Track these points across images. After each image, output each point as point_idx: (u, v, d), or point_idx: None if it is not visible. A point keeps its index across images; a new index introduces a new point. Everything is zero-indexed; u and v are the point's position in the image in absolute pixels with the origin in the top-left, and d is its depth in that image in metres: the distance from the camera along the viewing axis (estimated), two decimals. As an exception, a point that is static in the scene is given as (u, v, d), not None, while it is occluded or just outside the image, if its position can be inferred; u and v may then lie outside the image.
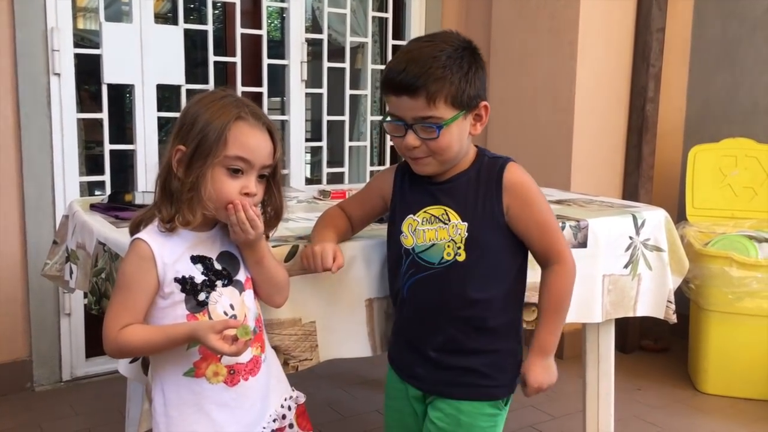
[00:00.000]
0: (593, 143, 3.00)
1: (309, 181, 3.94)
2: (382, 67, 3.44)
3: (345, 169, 3.36)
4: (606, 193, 2.92)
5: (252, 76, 3.03)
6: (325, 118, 3.24)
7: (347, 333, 1.52)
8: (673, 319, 1.98)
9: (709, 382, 2.71)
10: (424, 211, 1.37)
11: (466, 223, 1.33)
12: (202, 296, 1.23)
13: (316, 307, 1.46)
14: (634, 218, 1.90)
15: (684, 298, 2.70)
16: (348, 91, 3.29)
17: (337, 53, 3.34)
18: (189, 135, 1.20)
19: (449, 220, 1.34)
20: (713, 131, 3.08)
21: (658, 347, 3.16)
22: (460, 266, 1.33)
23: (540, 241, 1.37)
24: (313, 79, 3.24)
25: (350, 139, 3.40)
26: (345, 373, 2.87)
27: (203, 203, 1.20)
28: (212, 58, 2.88)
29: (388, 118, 1.33)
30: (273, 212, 1.32)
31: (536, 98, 3.07)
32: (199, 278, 1.23)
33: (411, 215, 1.38)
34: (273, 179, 1.29)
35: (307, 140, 3.27)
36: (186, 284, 1.22)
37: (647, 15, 3.00)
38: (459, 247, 1.33)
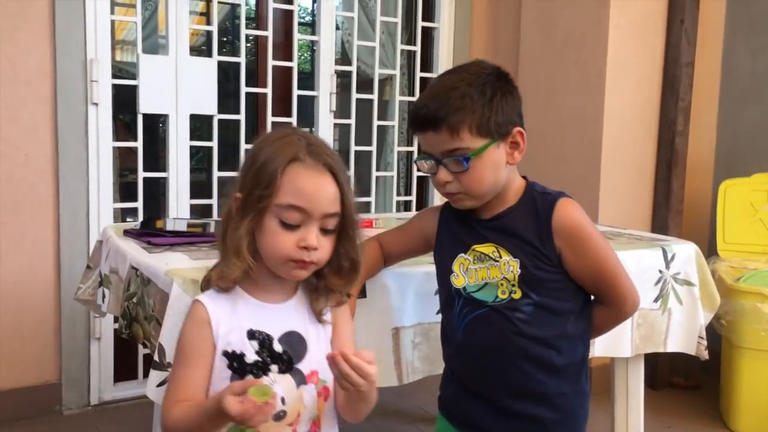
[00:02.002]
0: (622, 176, 2.99)
1: (336, 211, 3.96)
2: (411, 98, 3.48)
3: (372, 199, 3.38)
4: (634, 226, 2.90)
5: (282, 106, 3.08)
6: (353, 148, 3.28)
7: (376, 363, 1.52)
8: (705, 355, 1.95)
9: (740, 421, 2.65)
10: (473, 250, 1.32)
11: (518, 260, 1.27)
12: (249, 378, 1.07)
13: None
14: (664, 252, 1.89)
15: (715, 335, 2.66)
16: (375, 122, 3.33)
17: (365, 85, 3.38)
18: (245, 180, 1.07)
19: (500, 257, 1.29)
20: (744, 166, 3.05)
21: (689, 384, 3.10)
22: (516, 303, 1.28)
23: (596, 285, 1.32)
24: (342, 110, 3.29)
25: (377, 169, 3.43)
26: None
27: (245, 257, 1.06)
28: (244, 89, 2.93)
29: (421, 157, 1.31)
30: (349, 265, 1.15)
31: (564, 130, 3.08)
32: (251, 357, 1.07)
33: (462, 254, 1.33)
34: (343, 231, 1.12)
35: (335, 170, 3.30)
36: (234, 361, 1.07)
37: (676, 48, 3.01)
38: (513, 285, 1.28)
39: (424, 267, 1.55)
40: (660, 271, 1.87)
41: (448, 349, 1.40)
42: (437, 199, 3.47)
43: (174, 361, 1.11)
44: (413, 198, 3.54)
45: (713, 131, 3.24)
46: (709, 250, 3.02)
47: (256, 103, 3.17)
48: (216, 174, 2.91)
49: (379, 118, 3.36)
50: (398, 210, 3.49)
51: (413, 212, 3.24)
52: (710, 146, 3.25)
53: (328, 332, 1.17)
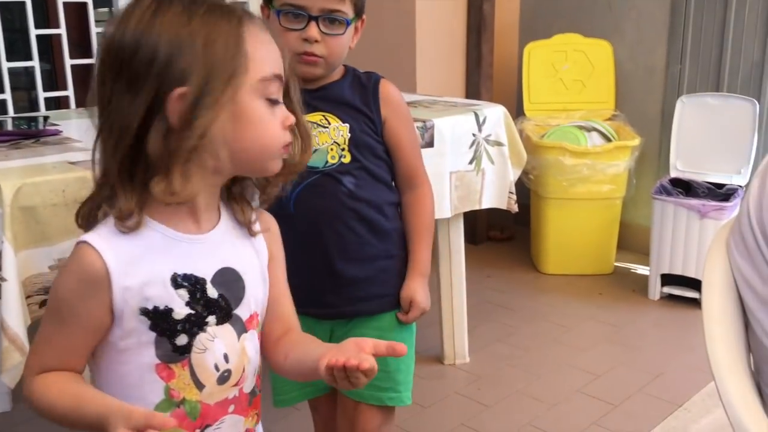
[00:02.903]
0: (435, 45, 3.06)
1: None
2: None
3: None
4: (450, 93, 3.01)
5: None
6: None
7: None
8: (515, 208, 2.13)
9: (549, 264, 2.97)
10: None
11: (347, 125, 1.30)
12: (182, 339, 0.84)
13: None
14: (476, 116, 1.99)
15: (525, 189, 2.90)
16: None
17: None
18: (173, 71, 0.77)
19: (329, 124, 1.30)
20: (545, 28, 3.22)
21: (504, 236, 3.39)
22: (347, 167, 1.31)
23: (409, 159, 1.38)
24: None
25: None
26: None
27: (205, 162, 0.81)
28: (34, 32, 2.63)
29: (288, 9, 1.23)
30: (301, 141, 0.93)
31: (377, 3, 3.06)
32: (181, 312, 0.83)
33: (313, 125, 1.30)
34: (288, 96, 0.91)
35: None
36: (158, 320, 0.82)
37: None
38: (343, 149, 1.30)
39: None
40: (473, 135, 1.99)
41: (281, 226, 1.35)
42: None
43: (45, 317, 0.86)
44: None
45: (517, -5, 3.38)
46: (518, 111, 3.22)
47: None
48: (5, 65, 2.62)
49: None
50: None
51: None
52: (515, 10, 3.39)
53: (261, 255, 0.94)
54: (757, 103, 2.62)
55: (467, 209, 2.05)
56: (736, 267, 0.91)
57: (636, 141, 2.78)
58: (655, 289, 2.67)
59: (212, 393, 0.86)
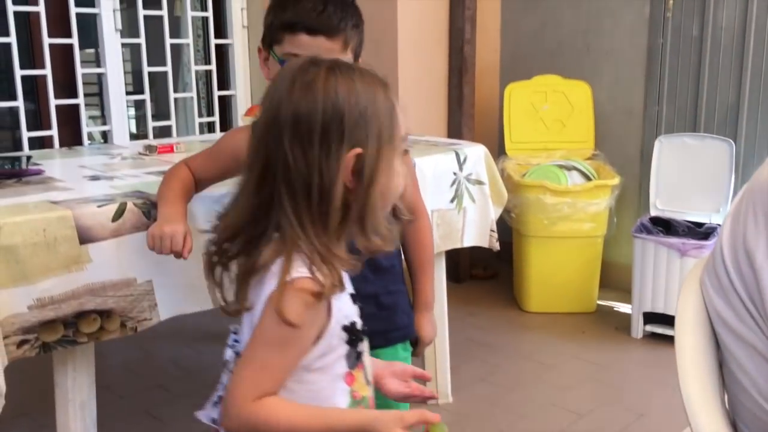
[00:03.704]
0: (418, 85, 3.11)
1: (135, 137, 3.77)
2: (204, 14, 3.32)
3: (172, 122, 3.24)
4: (432, 132, 3.05)
5: (60, 27, 2.81)
6: (146, 69, 3.09)
7: (187, 289, 1.50)
8: (496, 246, 2.15)
9: (531, 302, 2.97)
10: None
11: None
12: (361, 346, 0.95)
13: (151, 266, 1.43)
14: (457, 155, 2.02)
15: (507, 227, 2.92)
16: (168, 40, 3.15)
17: (153, 0, 3.17)
18: (356, 132, 0.86)
19: None
20: (525, 69, 3.29)
21: (487, 274, 3.41)
22: None
23: (408, 192, 1.37)
24: (129, 29, 3.07)
25: (175, 91, 3.27)
26: (188, 329, 2.83)
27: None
28: (11, 8, 2.63)
29: (287, 58, 1.25)
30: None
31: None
32: (359, 322, 0.94)
33: None
34: None
35: (128, 93, 3.11)
36: (351, 332, 0.92)
37: (461, -42, 3.12)
38: None
39: (228, 188, 1.54)
40: (454, 173, 2.01)
41: None
42: (241, 120, 3.39)
43: (260, 345, 0.88)
44: (216, 119, 3.44)
45: (497, 38, 3.45)
46: (499, 150, 3.26)
47: (27, 23, 2.87)
48: (-11, 105, 2.63)
49: (171, 36, 3.18)
50: (202, 132, 3.38)
51: (218, 134, 3.16)
52: (495, 52, 3.46)
53: None
54: (733, 143, 2.68)
55: (449, 247, 2.06)
56: (710, 304, 0.93)
57: (616, 180, 2.82)
58: (638, 328, 2.68)
59: (370, 387, 0.99)
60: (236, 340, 0.99)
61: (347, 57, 1.28)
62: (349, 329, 0.91)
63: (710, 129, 2.84)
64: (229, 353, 0.99)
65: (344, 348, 0.92)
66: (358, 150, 0.86)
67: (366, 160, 0.86)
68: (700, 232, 2.64)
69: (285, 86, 0.87)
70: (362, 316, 1.00)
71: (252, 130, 0.92)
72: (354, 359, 0.94)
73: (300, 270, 0.86)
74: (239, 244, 0.93)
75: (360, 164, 0.86)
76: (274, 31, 1.28)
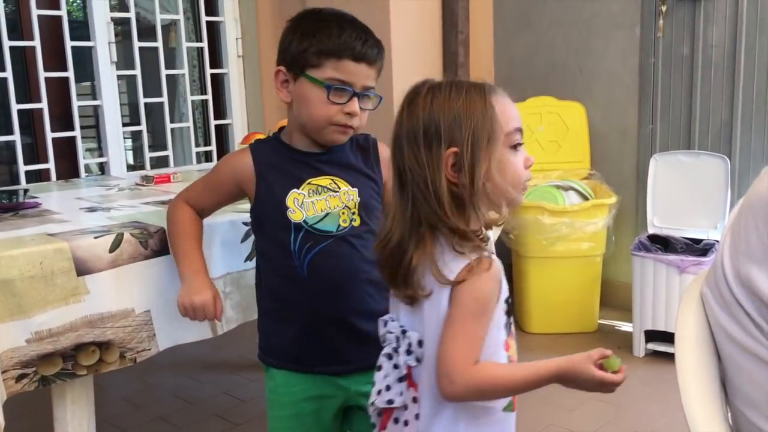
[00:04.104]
0: (413, 110, 3.12)
1: (132, 168, 3.78)
2: (199, 44, 3.35)
3: (169, 152, 3.26)
4: (428, 156, 3.06)
5: (55, 60, 2.84)
6: (142, 100, 3.11)
7: (185, 318, 1.50)
8: (496, 268, 2.14)
9: (533, 323, 2.96)
10: (308, 183, 1.34)
11: (356, 189, 1.35)
12: (511, 317, 1.11)
13: (149, 296, 1.43)
14: (453, 178, 2.02)
15: (505, 248, 2.92)
16: (164, 71, 3.18)
17: (148, 32, 3.20)
18: (451, 134, 1.04)
19: (339, 188, 1.34)
20: (519, 91, 3.31)
21: (488, 296, 3.39)
22: (357, 230, 1.34)
23: None
24: (125, 61, 3.10)
25: (172, 121, 3.29)
26: (188, 360, 2.81)
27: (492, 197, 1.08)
28: (7, 43, 2.66)
29: (338, 85, 1.29)
30: None
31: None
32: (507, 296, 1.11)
33: (295, 189, 1.33)
34: None
35: (125, 125, 3.14)
36: (509, 304, 1.09)
37: (452, -16, 3.16)
38: (353, 213, 1.34)
39: (228, 216, 1.54)
40: (451, 196, 2.01)
41: (286, 291, 1.36)
42: (236, 149, 3.40)
43: (466, 322, 1.02)
44: (213, 148, 3.46)
45: (491, 60, 3.47)
46: (496, 173, 3.27)
47: (23, 58, 2.89)
48: (-14, 140, 2.64)
49: (167, 67, 3.21)
50: (199, 161, 3.40)
51: (215, 162, 3.18)
52: (489, 75, 3.48)
53: None
54: (728, 159, 2.69)
55: (448, 270, 2.05)
56: (713, 318, 0.92)
57: (613, 199, 2.83)
58: (640, 346, 2.67)
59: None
60: (399, 326, 1.11)
61: (374, 83, 1.34)
62: (507, 301, 1.07)
63: (704, 146, 2.85)
64: (389, 336, 1.11)
65: (504, 318, 1.07)
66: (455, 149, 1.03)
67: (464, 155, 1.03)
68: (698, 248, 2.64)
69: (400, 109, 1.10)
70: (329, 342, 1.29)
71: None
72: (508, 328, 1.09)
73: (473, 254, 1.03)
74: (395, 244, 1.08)
75: (458, 160, 1.03)
76: (309, 57, 1.30)
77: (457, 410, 1.05)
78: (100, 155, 3.09)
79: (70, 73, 2.85)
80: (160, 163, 3.27)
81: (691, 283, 1.00)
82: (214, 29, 3.41)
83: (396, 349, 1.09)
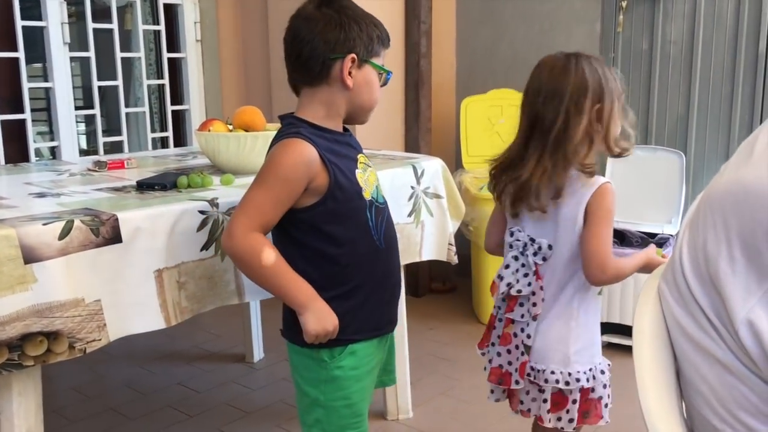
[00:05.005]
0: (374, 99, 3.10)
1: (85, 153, 3.68)
2: (156, 27, 3.27)
3: (124, 138, 3.18)
4: (389, 146, 3.05)
5: (5, 40, 2.74)
6: (96, 83, 3.03)
7: (137, 307, 1.46)
8: (455, 260, 2.14)
9: (490, 315, 2.97)
10: (359, 161, 1.43)
11: (372, 164, 1.49)
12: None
13: (100, 285, 1.39)
14: (414, 168, 2.01)
15: (465, 240, 2.93)
16: (119, 54, 3.09)
17: (103, 13, 3.11)
18: (602, 94, 1.41)
19: (370, 164, 1.47)
20: (481, 83, 3.32)
21: (446, 288, 3.40)
22: (385, 202, 1.48)
23: None
24: (79, 42, 3.00)
25: (127, 106, 3.21)
26: (141, 350, 2.76)
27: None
28: (-47, 21, 2.56)
29: (389, 72, 1.44)
30: None
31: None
32: None
33: (356, 170, 1.40)
34: None
35: (77, 108, 3.04)
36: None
37: (415, -27, 3.14)
38: (378, 185, 1.47)
39: (184, 204, 1.51)
40: (412, 187, 2.00)
41: (369, 266, 1.41)
42: (194, 135, 3.35)
43: (605, 223, 1.41)
44: (170, 134, 3.38)
45: (453, 52, 3.47)
46: (456, 164, 3.28)
47: (-29, 36, 2.78)
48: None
49: (122, 50, 3.12)
50: (155, 147, 3.32)
51: (172, 149, 3.11)
52: (451, 66, 3.48)
53: None
54: (683, 155, 2.73)
55: (408, 261, 2.05)
56: (669, 313, 0.93)
57: (571, 192, 2.84)
58: (595, 338, 2.70)
59: None
60: (527, 235, 1.49)
61: None
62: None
63: (661, 141, 2.89)
64: (517, 243, 1.49)
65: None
66: (599, 105, 1.40)
67: (604, 110, 1.40)
68: (653, 242, 2.68)
69: (537, 74, 1.47)
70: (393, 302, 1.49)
71: (524, 98, 1.49)
72: None
73: (594, 179, 1.42)
74: (510, 173, 1.51)
75: (600, 113, 1.40)
76: (376, 45, 1.39)
77: (572, 294, 1.45)
78: (52, 139, 3.00)
79: (21, 54, 2.75)
80: (115, 148, 3.19)
81: (648, 278, 1.01)
82: (172, 12, 3.34)
83: (523, 253, 1.47)
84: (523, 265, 1.46)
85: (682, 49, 2.81)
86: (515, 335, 1.49)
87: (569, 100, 1.38)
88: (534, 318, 1.46)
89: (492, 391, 1.59)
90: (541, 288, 1.45)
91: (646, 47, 2.89)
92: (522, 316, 1.47)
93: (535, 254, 1.45)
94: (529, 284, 1.45)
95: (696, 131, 2.83)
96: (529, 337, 1.46)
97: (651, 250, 1.50)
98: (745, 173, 0.82)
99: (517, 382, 1.48)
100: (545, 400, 1.47)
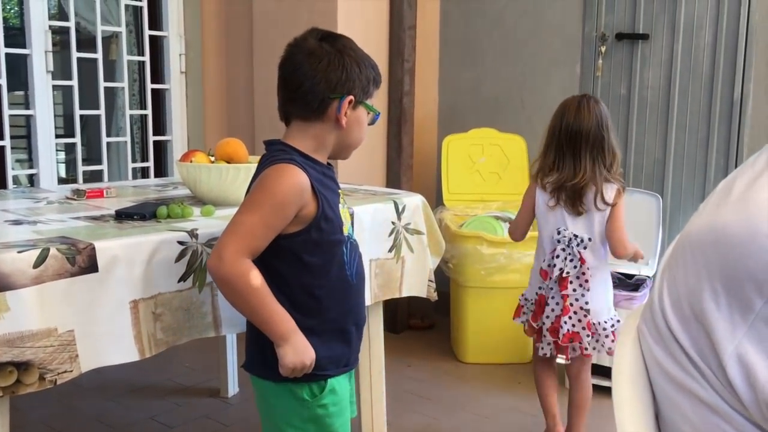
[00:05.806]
0: (357, 135, 3.12)
1: (64, 181, 3.65)
2: (140, 58, 3.28)
3: (104, 167, 3.16)
4: (370, 182, 3.06)
5: (-13, 66, 2.73)
6: (78, 112, 3.02)
7: (111, 339, 1.43)
8: (434, 296, 2.14)
9: (468, 353, 2.96)
10: (340, 196, 1.45)
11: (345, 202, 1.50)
12: None
13: (74, 315, 1.36)
14: (396, 204, 2.02)
15: (445, 277, 2.92)
16: (102, 84, 3.09)
17: (88, 43, 3.12)
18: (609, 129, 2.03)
19: (345, 201, 1.49)
20: (462, 122, 3.35)
21: (425, 325, 3.39)
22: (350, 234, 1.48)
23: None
24: (63, 71, 3.00)
25: (108, 135, 3.20)
26: (113, 383, 2.70)
27: None
28: (-64, 46, 2.55)
29: (377, 112, 1.47)
30: None
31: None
32: None
33: (340, 204, 1.42)
34: None
35: (58, 136, 3.03)
36: None
37: (399, 13, 3.19)
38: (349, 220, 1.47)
39: (163, 234, 1.49)
40: (393, 223, 2.00)
41: (342, 300, 1.42)
42: (175, 166, 3.34)
43: (622, 217, 2.03)
44: (150, 164, 3.37)
45: (435, 91, 3.51)
46: (437, 201, 3.29)
47: (-47, 62, 2.77)
48: None
49: (106, 79, 3.12)
50: (135, 177, 3.30)
51: (152, 179, 3.09)
52: (434, 104, 3.52)
53: None
54: (660, 197, 2.77)
55: (387, 297, 2.04)
56: (649, 354, 0.93)
57: (550, 231, 2.86)
58: (573, 378, 2.69)
59: None
60: (570, 232, 2.05)
61: None
62: None
63: (638, 184, 2.93)
64: (563, 238, 2.04)
65: None
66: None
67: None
68: (630, 283, 2.70)
69: (567, 109, 2.08)
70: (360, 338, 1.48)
71: (551, 130, 2.12)
72: None
73: (617, 183, 2.03)
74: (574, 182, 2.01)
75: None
76: (372, 87, 1.43)
77: (604, 270, 2.08)
78: (31, 167, 2.98)
79: (2, 81, 2.74)
80: (94, 177, 3.17)
81: (627, 319, 1.01)
82: (157, 44, 3.35)
83: (569, 244, 2.01)
84: (569, 254, 2.02)
85: (659, 94, 2.87)
86: (571, 305, 2.04)
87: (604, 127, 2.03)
88: (588, 290, 2.02)
89: (541, 348, 2.12)
90: (588, 268, 2.01)
91: (624, 92, 2.95)
92: (574, 290, 2.02)
93: (577, 245, 2.01)
94: (575, 267, 2.01)
95: (673, 174, 2.87)
96: (587, 303, 2.02)
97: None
98: (725, 213, 0.83)
99: (588, 336, 2.04)
100: (607, 336, 2.05)
